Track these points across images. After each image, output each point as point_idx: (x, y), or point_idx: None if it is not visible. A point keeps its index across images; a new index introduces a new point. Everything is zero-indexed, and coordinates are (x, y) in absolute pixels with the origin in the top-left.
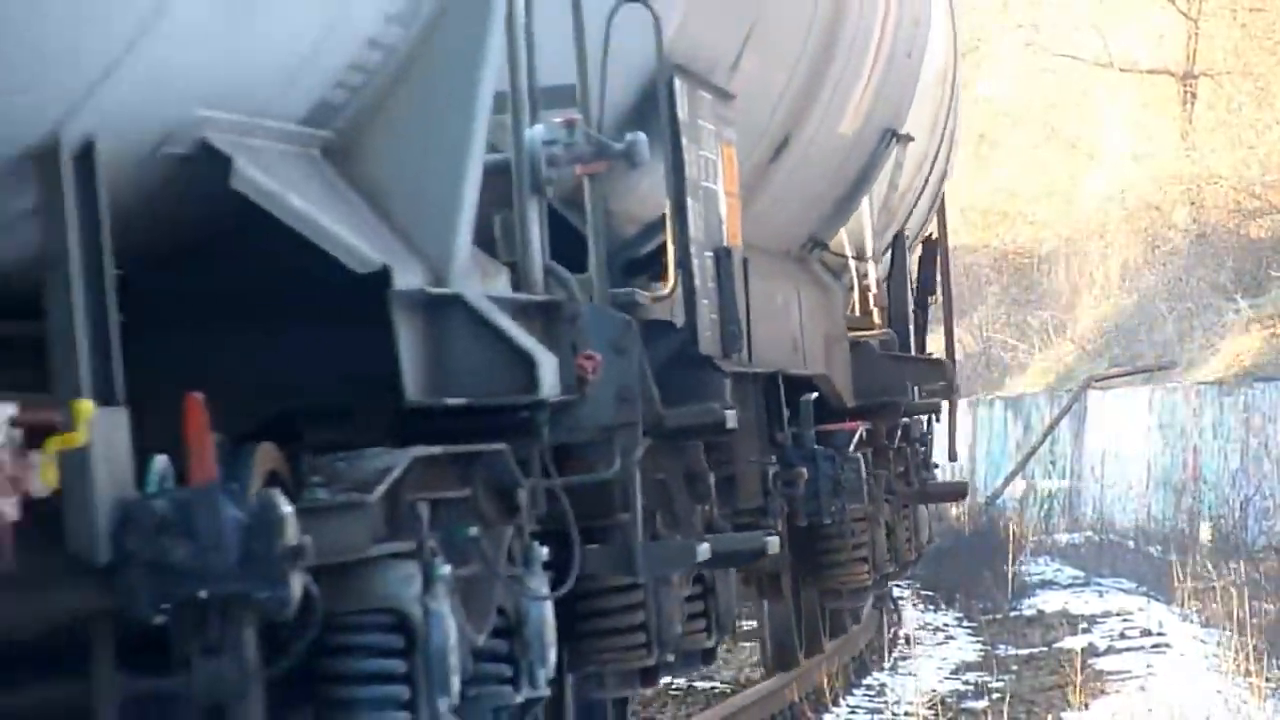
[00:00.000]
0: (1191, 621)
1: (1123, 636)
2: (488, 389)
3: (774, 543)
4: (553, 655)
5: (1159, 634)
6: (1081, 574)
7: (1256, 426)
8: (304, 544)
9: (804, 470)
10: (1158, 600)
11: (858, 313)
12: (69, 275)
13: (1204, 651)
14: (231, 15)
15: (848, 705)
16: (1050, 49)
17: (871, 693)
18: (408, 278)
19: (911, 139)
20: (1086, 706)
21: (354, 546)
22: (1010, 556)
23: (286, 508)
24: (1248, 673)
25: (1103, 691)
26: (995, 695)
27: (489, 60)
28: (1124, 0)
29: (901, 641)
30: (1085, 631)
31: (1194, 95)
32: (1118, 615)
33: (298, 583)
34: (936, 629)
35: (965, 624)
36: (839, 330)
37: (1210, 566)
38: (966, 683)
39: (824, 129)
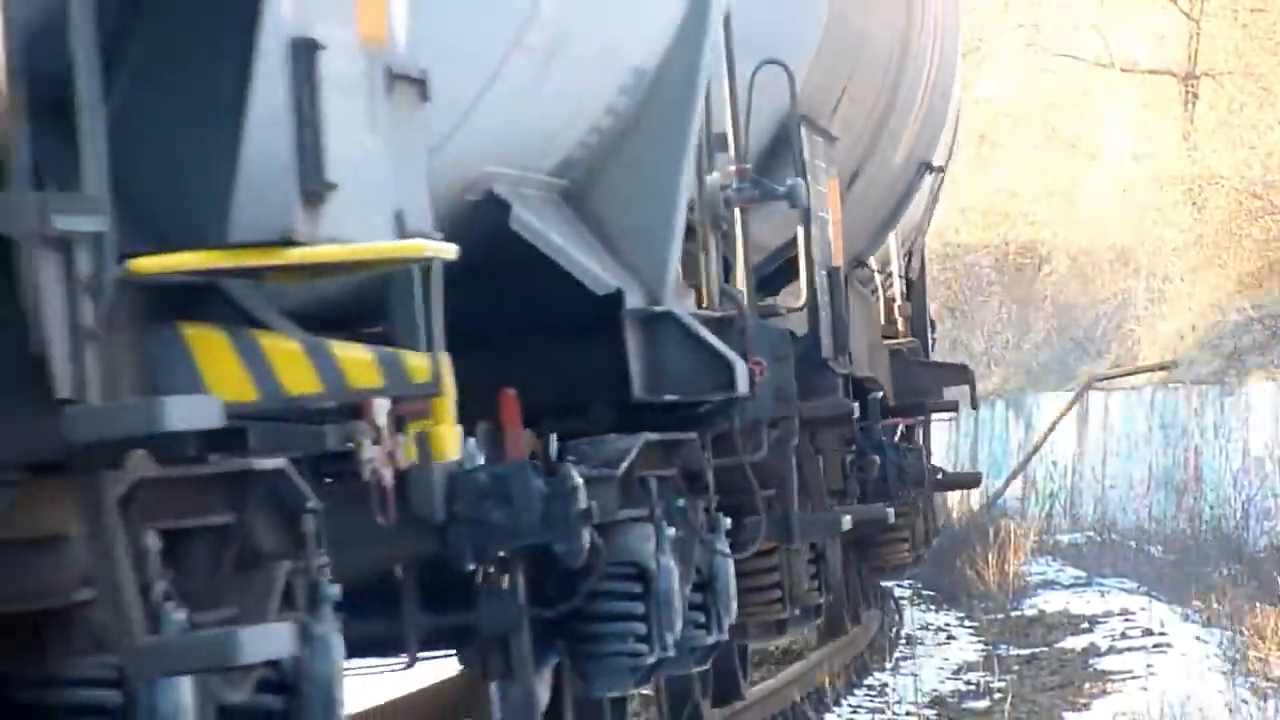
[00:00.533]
0: (1193, 621)
1: (1124, 636)
2: (696, 388)
3: (892, 513)
4: (735, 606)
5: (1160, 634)
6: (1083, 574)
7: (1258, 426)
8: (592, 507)
9: (876, 458)
10: (1159, 600)
11: (883, 321)
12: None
13: (1205, 651)
14: (531, 87)
15: (849, 705)
16: (1051, 49)
17: (872, 693)
18: (632, 299)
19: (942, 170)
20: (1088, 706)
21: (607, 511)
22: (1011, 556)
23: (578, 480)
24: (1248, 672)
25: (1104, 691)
26: (996, 695)
27: (694, 118)
28: (1125, 0)
29: (902, 641)
30: (1086, 631)
31: (1195, 95)
32: (1119, 615)
33: (587, 538)
34: (938, 629)
35: (966, 624)
36: (878, 338)
37: (1211, 566)
38: (968, 683)
39: (883, 163)
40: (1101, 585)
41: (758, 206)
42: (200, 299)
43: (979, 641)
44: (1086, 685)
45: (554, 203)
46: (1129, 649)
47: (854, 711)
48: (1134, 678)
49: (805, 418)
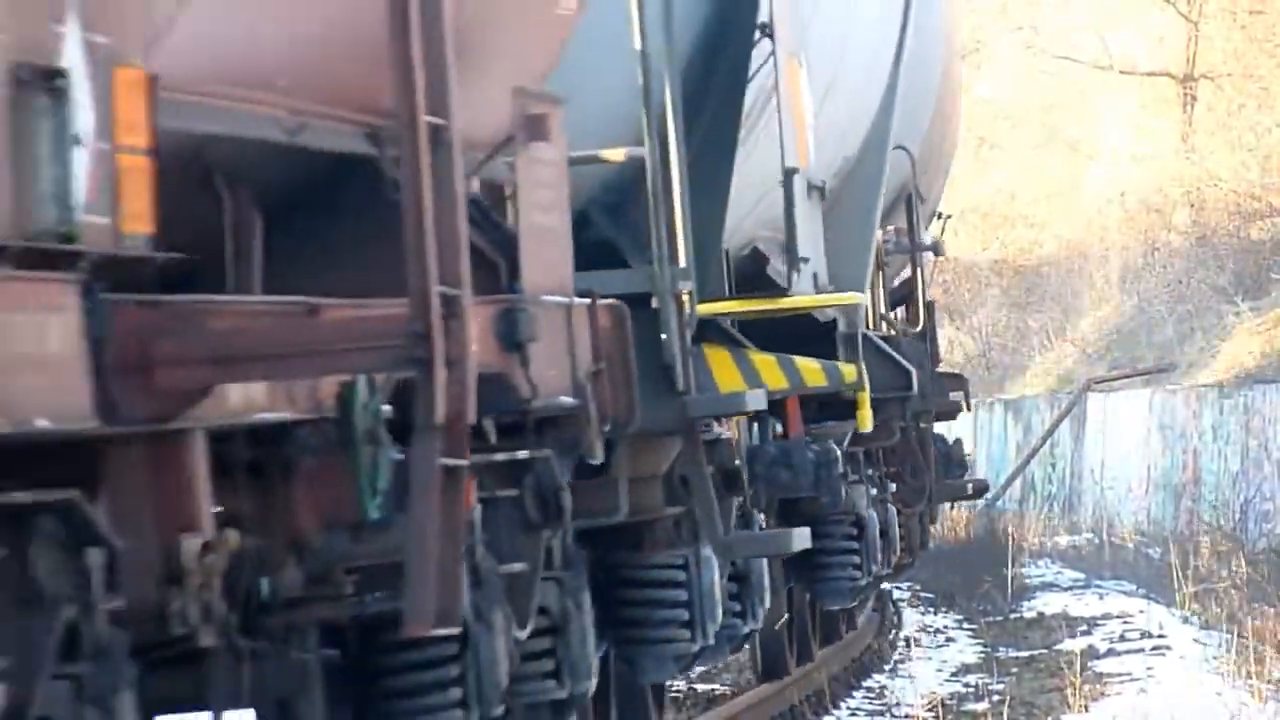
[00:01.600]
0: (1191, 623)
1: (1123, 638)
2: (884, 389)
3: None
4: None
5: (1159, 636)
6: (1082, 576)
7: (1256, 429)
8: (847, 470)
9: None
10: (1158, 602)
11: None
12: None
13: (1204, 653)
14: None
15: (847, 708)
16: (1050, 51)
17: (871, 695)
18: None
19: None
20: (1086, 709)
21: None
22: (1010, 559)
23: (837, 451)
24: (1247, 675)
25: (1103, 693)
26: (995, 697)
27: (884, 184)
28: (1124, 2)
29: (901, 644)
30: (1085, 633)
31: (1194, 97)
32: (1118, 617)
33: (843, 493)
34: (937, 631)
35: (965, 626)
36: None
37: (1210, 568)
38: (967, 685)
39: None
40: (1100, 587)
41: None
42: (704, 326)
43: (978, 644)
44: (1085, 687)
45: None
46: (1128, 651)
47: (853, 714)
48: (1133, 680)
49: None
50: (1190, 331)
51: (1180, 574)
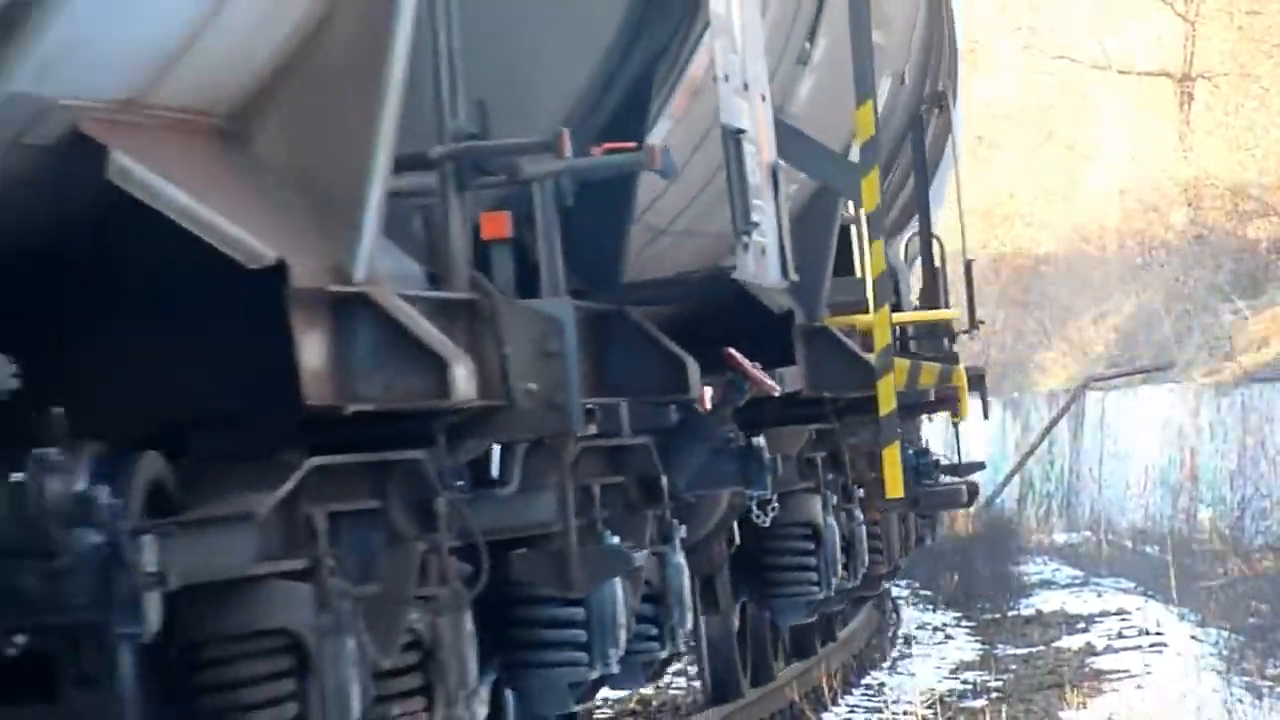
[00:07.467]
0: (1189, 621)
1: (1120, 636)
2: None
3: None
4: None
5: (1156, 633)
6: (1080, 574)
7: (1254, 427)
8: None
9: None
10: (1155, 600)
11: None
12: None
13: (1201, 651)
14: None
15: (846, 705)
16: (1048, 51)
17: (870, 692)
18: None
19: None
20: (1084, 705)
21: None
22: (1009, 556)
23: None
24: (1245, 672)
25: (1100, 690)
26: (994, 694)
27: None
28: (1122, 3)
29: (900, 641)
30: (1083, 631)
31: (1191, 97)
32: (1116, 615)
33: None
34: (935, 628)
35: (964, 623)
36: None
37: (1207, 566)
38: (965, 682)
39: None
40: (1098, 585)
41: None
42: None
43: (976, 641)
44: (1083, 684)
45: None
46: (1125, 648)
47: (851, 711)
48: (1130, 677)
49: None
50: (1188, 330)
51: (1178, 571)
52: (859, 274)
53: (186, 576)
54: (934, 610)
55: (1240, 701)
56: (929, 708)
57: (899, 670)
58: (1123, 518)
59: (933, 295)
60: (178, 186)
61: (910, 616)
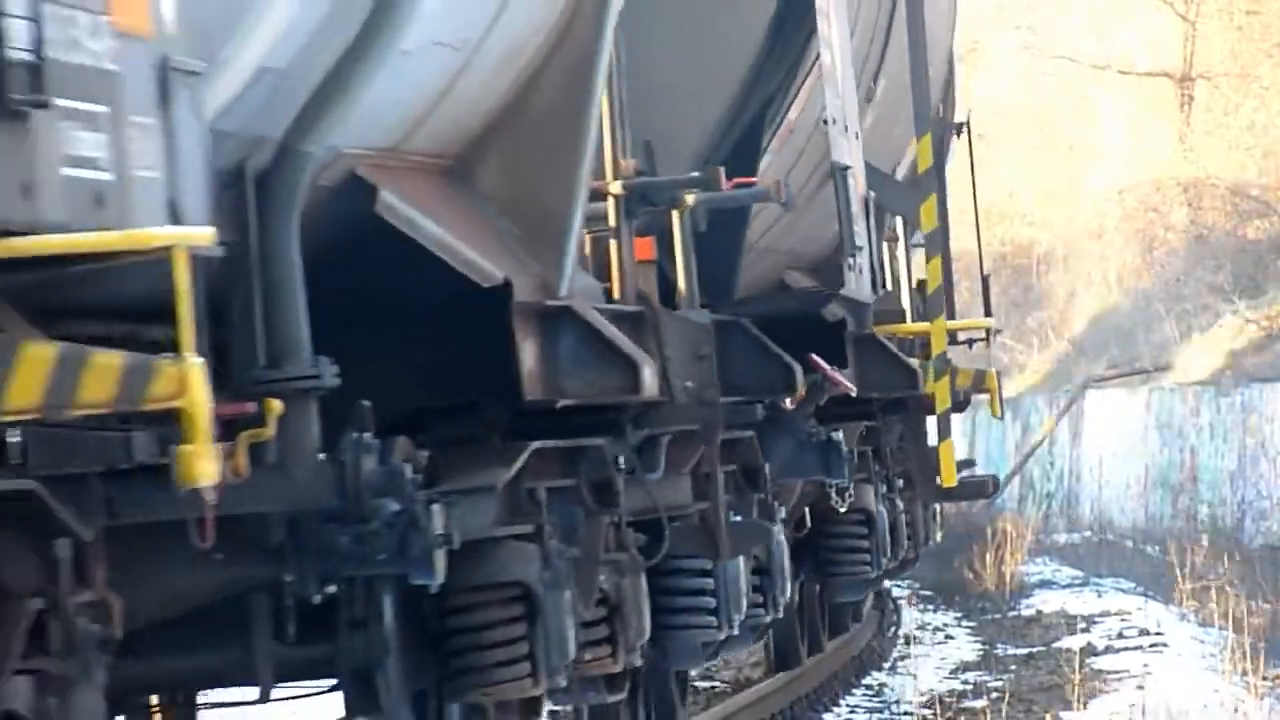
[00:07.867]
0: (1189, 621)
1: (1121, 636)
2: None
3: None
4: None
5: (1157, 633)
6: (1080, 574)
7: (1253, 427)
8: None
9: None
10: (1155, 600)
11: None
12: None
13: (1201, 651)
14: None
15: (847, 705)
16: (1048, 51)
17: (871, 692)
18: None
19: None
20: (1085, 705)
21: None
22: (1009, 557)
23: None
24: (1245, 672)
25: (1101, 690)
26: (994, 695)
27: None
28: (1121, 2)
29: (901, 641)
30: (1083, 631)
31: (1191, 97)
32: (1116, 615)
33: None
34: (936, 629)
35: (964, 624)
36: None
37: (1207, 566)
38: (965, 682)
39: None
40: (1098, 585)
41: None
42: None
43: (977, 641)
44: (1084, 684)
45: None
46: (1126, 649)
47: (852, 711)
48: (1131, 677)
49: None
50: (1188, 330)
51: (1178, 571)
52: (888, 285)
53: (461, 537)
54: (934, 610)
55: (1241, 701)
56: (929, 708)
57: (899, 670)
58: (1122, 518)
59: (946, 303)
60: (429, 219)
61: (910, 616)
